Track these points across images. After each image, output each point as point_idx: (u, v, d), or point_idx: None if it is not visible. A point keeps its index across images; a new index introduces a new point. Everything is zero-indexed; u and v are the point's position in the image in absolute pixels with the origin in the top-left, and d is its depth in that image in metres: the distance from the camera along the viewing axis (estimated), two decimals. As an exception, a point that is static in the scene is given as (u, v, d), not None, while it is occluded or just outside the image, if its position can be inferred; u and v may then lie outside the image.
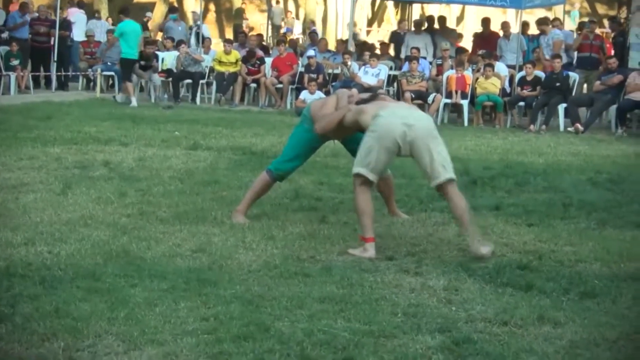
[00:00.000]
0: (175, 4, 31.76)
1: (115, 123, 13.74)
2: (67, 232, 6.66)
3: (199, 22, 23.17)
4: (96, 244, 6.35)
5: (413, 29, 20.80)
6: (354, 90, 7.55)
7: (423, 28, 20.62)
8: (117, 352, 4.34)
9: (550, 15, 24.30)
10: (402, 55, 19.54)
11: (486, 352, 4.46)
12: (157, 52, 19.98)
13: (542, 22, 18.80)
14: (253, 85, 19.09)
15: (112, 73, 20.10)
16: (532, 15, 23.67)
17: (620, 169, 10.91)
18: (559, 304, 5.33)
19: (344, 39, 22.30)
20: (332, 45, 23.65)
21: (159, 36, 24.31)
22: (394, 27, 34.35)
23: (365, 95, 7.12)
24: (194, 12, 24.65)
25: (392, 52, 20.62)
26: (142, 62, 18.96)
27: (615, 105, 16.06)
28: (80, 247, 6.24)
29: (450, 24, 26.00)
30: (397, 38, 21.31)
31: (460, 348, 4.51)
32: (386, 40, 23.11)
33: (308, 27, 34.31)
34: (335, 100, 7.07)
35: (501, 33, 19.13)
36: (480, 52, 18.31)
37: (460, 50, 19.14)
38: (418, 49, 18.48)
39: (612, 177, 10.20)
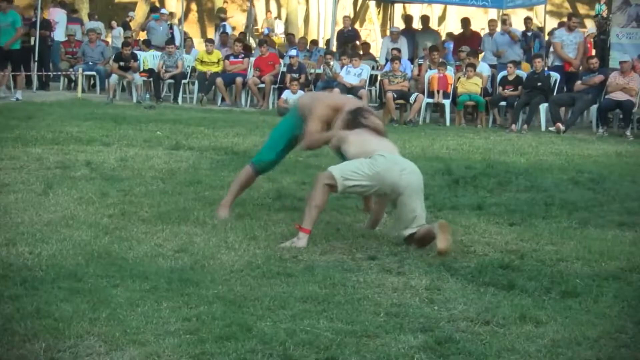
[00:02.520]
0: (157, 4, 31.71)
1: (97, 123, 13.69)
2: (48, 233, 6.63)
3: (169, 23, 23.23)
4: (78, 244, 6.33)
5: (389, 35, 20.72)
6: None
7: (402, 28, 20.68)
8: (99, 353, 4.32)
9: (532, 15, 24.37)
10: (382, 59, 19.52)
11: (468, 352, 4.47)
12: (137, 52, 19.95)
13: (569, 18, 18.60)
14: (239, 78, 18.91)
15: (93, 73, 20.08)
16: (513, 15, 23.72)
17: (601, 169, 10.95)
18: (540, 303, 5.34)
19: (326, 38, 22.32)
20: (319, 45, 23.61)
21: (142, 36, 24.30)
22: (377, 27, 34.44)
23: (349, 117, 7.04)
24: (162, 13, 24.59)
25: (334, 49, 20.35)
26: (122, 63, 18.95)
27: (596, 105, 16.13)
28: (62, 247, 6.21)
29: (432, 24, 26.03)
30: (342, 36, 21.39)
31: (442, 347, 4.52)
32: (368, 40, 23.14)
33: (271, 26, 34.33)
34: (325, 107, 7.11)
35: (486, 30, 19.18)
36: (462, 48, 18.36)
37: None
38: (399, 50, 18.52)
39: (593, 176, 10.23)
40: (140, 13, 31.04)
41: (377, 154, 6.61)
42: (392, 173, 6.53)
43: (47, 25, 20.72)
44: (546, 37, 19.83)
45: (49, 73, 20.32)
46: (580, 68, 17.27)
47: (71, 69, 20.27)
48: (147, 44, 21.18)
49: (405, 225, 6.65)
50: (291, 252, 6.36)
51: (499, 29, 18.68)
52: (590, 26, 17.92)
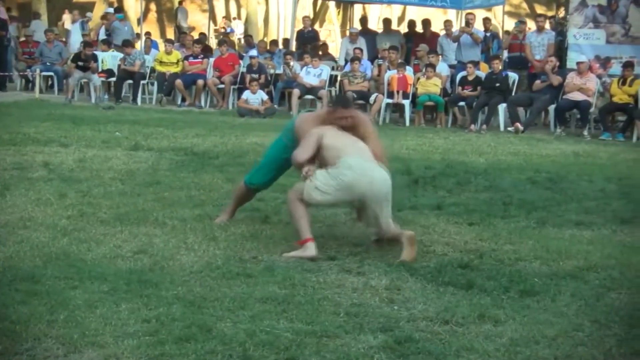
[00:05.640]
0: (116, 4, 31.49)
1: (55, 124, 13.59)
2: (5, 235, 6.57)
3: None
4: (35, 246, 6.27)
5: (349, 35, 20.70)
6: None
7: (360, 29, 20.72)
8: (56, 355, 4.29)
9: (491, 16, 24.50)
10: (342, 60, 19.53)
11: (428, 351, 4.49)
12: (96, 53, 19.80)
13: (536, 17, 18.62)
14: (201, 80, 18.81)
15: (51, 73, 19.91)
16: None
17: (559, 168, 11.06)
18: (499, 302, 5.38)
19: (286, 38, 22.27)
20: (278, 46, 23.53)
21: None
22: (337, 28, 34.48)
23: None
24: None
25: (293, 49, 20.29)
26: (81, 63, 18.80)
27: (554, 105, 16.28)
28: (19, 249, 6.16)
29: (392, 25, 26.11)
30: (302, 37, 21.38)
31: (402, 347, 4.53)
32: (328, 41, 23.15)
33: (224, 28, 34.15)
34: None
35: (442, 32, 19.24)
36: (419, 47, 18.42)
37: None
38: (361, 50, 18.55)
39: (551, 176, 10.33)
40: (98, 13, 30.80)
41: (344, 163, 6.46)
42: (360, 184, 6.43)
43: (3, 25, 20.48)
44: (503, 37, 19.94)
45: (6, 74, 20.09)
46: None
47: (28, 69, 20.07)
48: (108, 44, 21.02)
49: (367, 224, 6.68)
50: (251, 252, 6.35)
51: (454, 28, 18.75)
52: (547, 27, 18.00)
